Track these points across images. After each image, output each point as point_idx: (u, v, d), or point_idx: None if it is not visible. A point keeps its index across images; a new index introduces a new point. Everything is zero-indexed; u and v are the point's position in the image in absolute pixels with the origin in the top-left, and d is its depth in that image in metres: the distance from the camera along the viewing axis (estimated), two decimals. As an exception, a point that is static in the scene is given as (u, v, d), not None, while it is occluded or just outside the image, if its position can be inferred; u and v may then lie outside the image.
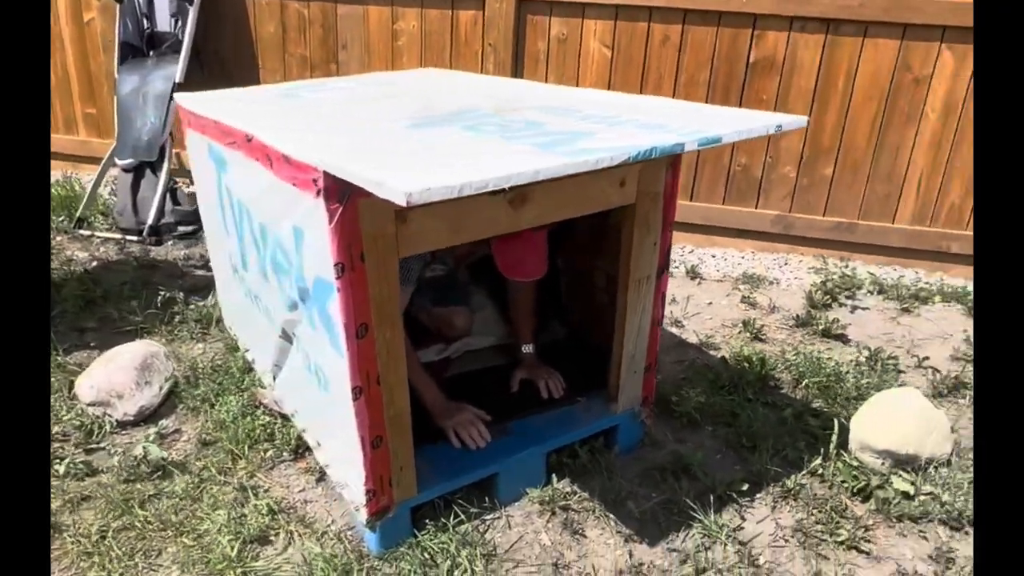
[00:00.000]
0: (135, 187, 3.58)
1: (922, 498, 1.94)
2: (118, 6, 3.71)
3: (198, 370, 2.46)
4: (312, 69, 3.89)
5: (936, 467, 2.03)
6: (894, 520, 1.91)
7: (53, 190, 3.87)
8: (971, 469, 2.04)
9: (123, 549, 1.80)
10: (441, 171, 1.27)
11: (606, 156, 1.35)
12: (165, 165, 3.56)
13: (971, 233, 3.35)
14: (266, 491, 1.98)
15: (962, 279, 3.34)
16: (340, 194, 1.42)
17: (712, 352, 2.67)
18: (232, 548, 1.78)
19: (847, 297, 3.09)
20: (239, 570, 1.74)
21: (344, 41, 3.80)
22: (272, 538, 1.85)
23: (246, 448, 2.11)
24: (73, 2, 4.03)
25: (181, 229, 3.57)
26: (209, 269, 3.25)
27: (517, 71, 3.68)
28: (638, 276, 1.96)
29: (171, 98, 3.55)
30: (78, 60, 4.17)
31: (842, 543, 1.84)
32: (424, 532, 1.82)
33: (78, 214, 3.61)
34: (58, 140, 4.35)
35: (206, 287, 3.05)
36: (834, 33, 3.28)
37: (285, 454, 2.12)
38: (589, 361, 2.21)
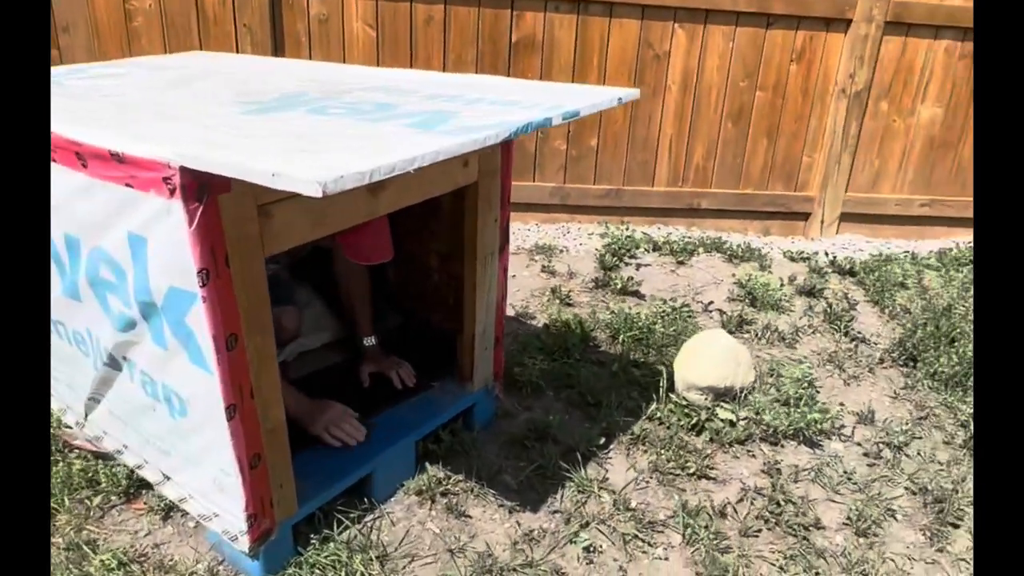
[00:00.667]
0: None
1: (743, 423, 2.21)
2: None
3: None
4: (28, 57, 3.31)
5: (747, 394, 2.32)
6: (727, 446, 2.16)
7: None
8: (771, 391, 2.37)
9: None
10: (334, 156, 1.19)
11: (492, 133, 1.34)
12: None
13: (716, 190, 3.83)
14: (104, 543, 1.70)
15: (712, 229, 3.81)
16: (199, 192, 1.25)
17: (532, 321, 2.78)
18: (82, 618, 1.52)
19: (630, 257, 3.39)
20: (95, 642, 1.49)
21: (65, 23, 3.28)
22: (127, 595, 1.61)
23: (64, 499, 1.79)
24: None
25: None
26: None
27: (278, 52, 3.46)
28: (484, 253, 1.98)
29: None
30: None
31: (692, 474, 2.04)
32: (309, 548, 1.69)
33: None
34: None
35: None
36: (584, 13, 3.53)
37: (114, 498, 1.83)
38: (432, 345, 2.19)
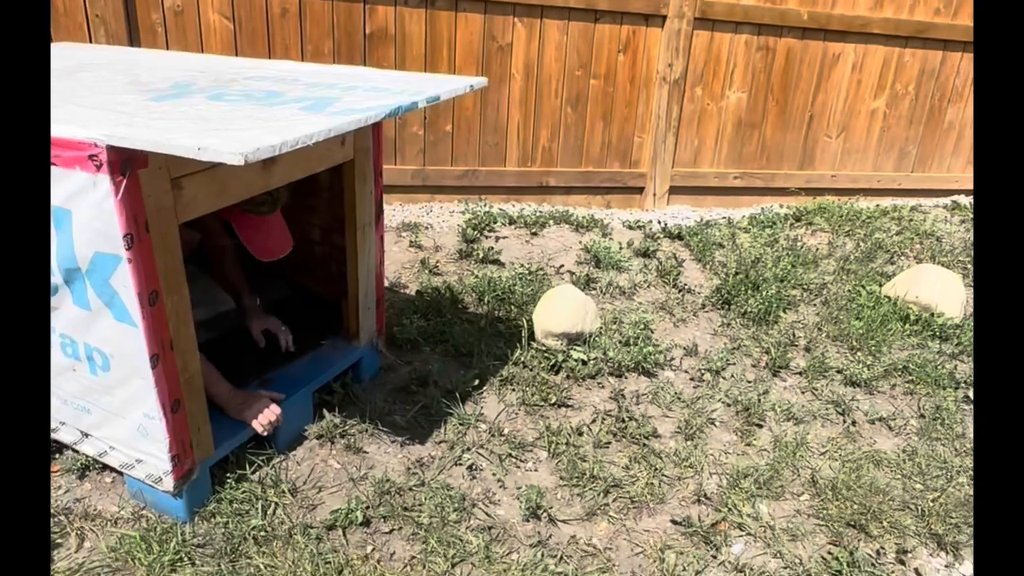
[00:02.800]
0: None
1: (593, 361, 2.61)
2: None
3: None
4: None
5: (595, 338, 2.72)
6: (580, 380, 2.55)
7: None
8: (615, 335, 2.78)
9: None
10: (248, 133, 1.42)
11: (373, 114, 1.62)
12: None
13: (561, 169, 4.25)
14: (24, 504, 1.83)
15: (560, 204, 4.23)
16: (123, 167, 1.45)
17: (405, 290, 3.06)
18: (18, 563, 1.66)
19: (489, 231, 3.73)
20: (32, 583, 1.64)
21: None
22: (61, 541, 1.75)
23: (-24, 470, 1.89)
24: None
25: None
26: None
27: (133, 43, 3.50)
28: (362, 223, 2.24)
29: None
30: None
31: (553, 404, 2.41)
32: (226, 486, 1.90)
33: None
34: None
35: None
36: (432, 8, 3.81)
37: (23, 466, 1.94)
38: (319, 310, 2.42)
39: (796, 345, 2.89)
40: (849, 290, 3.30)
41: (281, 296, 2.54)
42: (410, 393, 2.38)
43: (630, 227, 4.00)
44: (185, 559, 1.72)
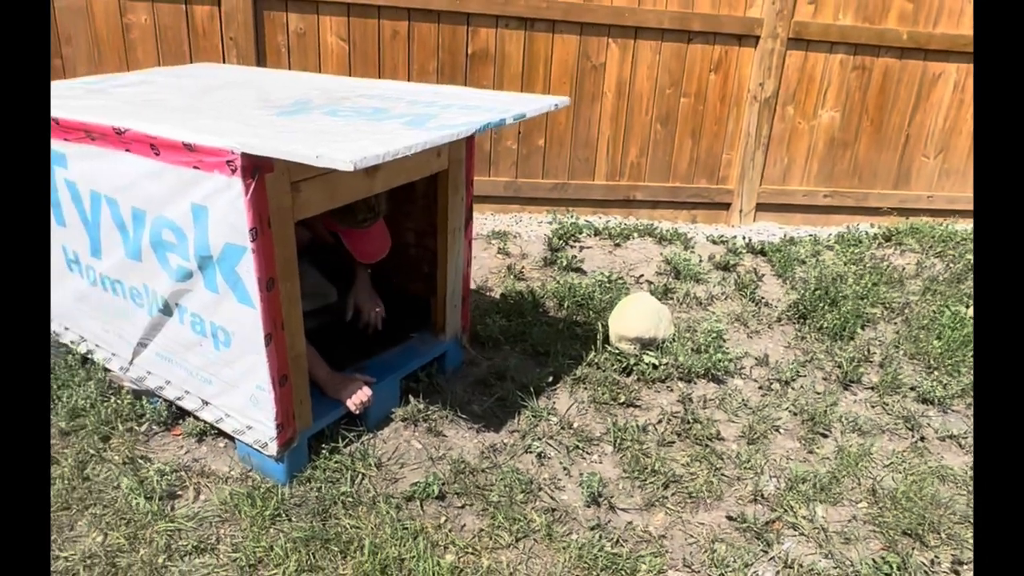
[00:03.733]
0: None
1: (663, 366, 2.74)
2: None
3: (17, 374, 2.42)
4: (33, 65, 3.67)
5: (667, 344, 2.85)
6: (650, 383, 2.68)
7: None
8: (687, 342, 2.90)
9: (30, 534, 1.86)
10: (360, 145, 1.65)
11: (464, 129, 1.83)
12: None
13: (649, 183, 4.38)
14: (153, 460, 2.13)
15: (646, 218, 4.36)
16: (253, 171, 1.72)
17: (490, 293, 3.27)
18: (151, 504, 1.95)
19: (575, 241, 3.90)
20: (163, 523, 1.92)
21: (67, 35, 3.66)
22: (180, 493, 2.04)
23: (118, 425, 2.22)
24: None
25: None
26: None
27: (260, 63, 3.88)
28: (452, 226, 2.47)
29: None
30: None
31: (622, 404, 2.56)
32: (321, 457, 2.15)
33: None
34: None
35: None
36: (531, 30, 4.04)
37: (156, 427, 2.26)
38: (411, 308, 2.66)
39: (871, 361, 2.92)
40: (933, 310, 3.28)
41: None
42: (488, 385, 2.58)
43: (713, 242, 4.09)
44: (283, 515, 1.97)
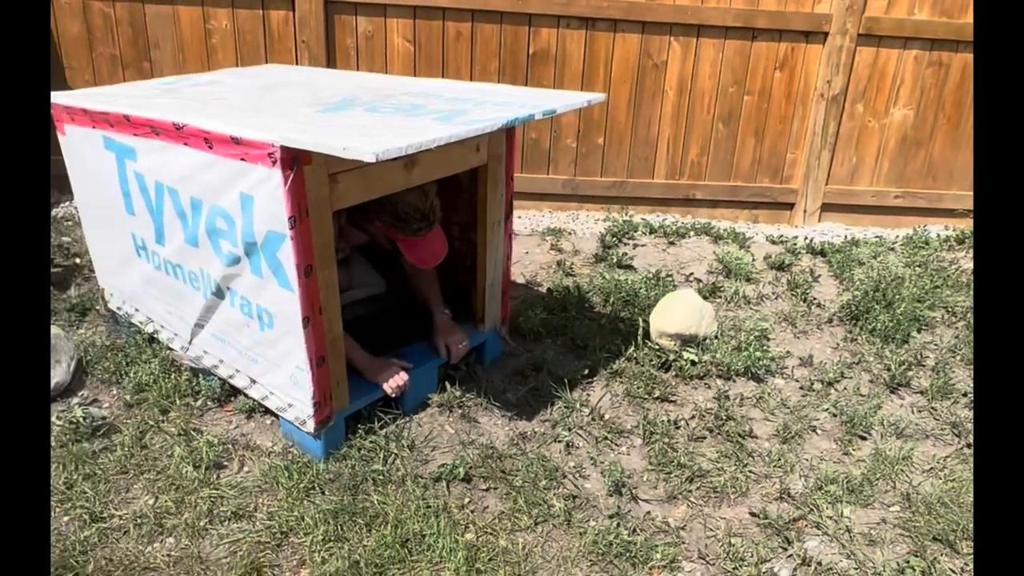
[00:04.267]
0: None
1: (703, 363, 2.74)
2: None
3: (94, 349, 2.65)
4: (124, 68, 3.97)
5: (709, 341, 2.84)
6: (688, 380, 2.69)
7: None
8: (731, 341, 2.89)
9: (93, 492, 2.05)
10: (385, 138, 1.75)
11: (489, 124, 1.91)
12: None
13: (709, 183, 4.34)
14: (206, 431, 2.30)
15: (705, 217, 4.33)
16: (292, 163, 1.84)
17: (538, 288, 3.34)
18: (199, 473, 2.11)
19: (628, 238, 3.93)
20: (207, 489, 2.08)
21: (156, 40, 3.94)
22: (226, 464, 2.20)
23: (176, 400, 2.40)
24: None
25: (7, 232, 3.53)
26: (56, 265, 3.33)
27: (330, 64, 4.06)
28: (492, 220, 2.54)
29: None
30: None
31: (657, 398, 2.58)
32: (356, 436, 2.27)
33: None
34: None
35: (64, 280, 3.15)
36: (592, 29, 4.07)
37: (210, 403, 2.44)
38: (453, 298, 2.75)
39: (923, 365, 2.83)
40: (999, 317, 3.14)
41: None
42: (525, 376, 2.65)
43: (773, 242, 4.03)
44: (317, 488, 2.10)
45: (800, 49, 4.14)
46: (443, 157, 2.27)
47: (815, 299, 3.31)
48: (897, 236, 4.15)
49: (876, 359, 2.86)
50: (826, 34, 4.07)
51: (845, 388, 2.69)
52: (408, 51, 4.06)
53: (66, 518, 1.99)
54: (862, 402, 2.60)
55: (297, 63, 4.02)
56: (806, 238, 4.05)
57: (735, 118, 4.25)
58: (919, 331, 3.05)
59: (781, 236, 4.07)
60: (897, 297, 3.20)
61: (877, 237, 4.13)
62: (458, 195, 2.66)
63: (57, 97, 2.46)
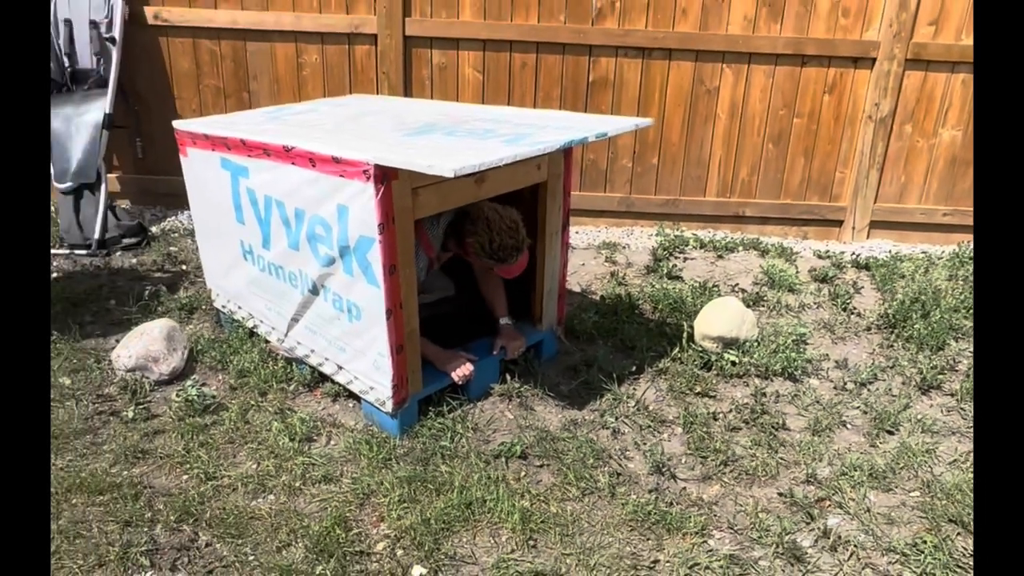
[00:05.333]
0: (76, 207, 4.00)
1: (743, 364, 2.98)
2: (41, 47, 4.10)
3: (203, 341, 3.06)
4: (226, 98, 4.46)
5: (750, 345, 3.08)
6: (728, 378, 2.94)
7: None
8: (771, 344, 3.11)
9: (207, 457, 2.43)
10: (461, 157, 2.08)
11: (549, 145, 2.22)
12: (103, 186, 4.01)
13: (759, 200, 4.57)
14: (297, 412, 2.66)
15: (755, 234, 4.55)
16: (382, 179, 2.19)
17: (592, 296, 3.63)
18: (294, 444, 2.47)
19: (679, 252, 4.18)
20: (301, 457, 2.43)
21: (254, 73, 4.41)
22: (315, 438, 2.55)
23: (274, 384, 2.78)
24: (-16, 43, 4.33)
25: (125, 241, 4.03)
26: (166, 271, 3.79)
27: (407, 93, 4.46)
28: (550, 231, 2.86)
29: (103, 126, 4.01)
30: (-11, 96, 4.45)
31: (698, 393, 2.83)
32: (428, 417, 2.59)
33: (20, 236, 3.96)
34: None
35: (174, 284, 3.60)
36: (648, 58, 4.37)
37: (302, 388, 2.80)
38: (514, 300, 3.07)
39: (956, 370, 3.00)
40: (1037, 328, 3.28)
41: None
42: (577, 371, 2.93)
43: (820, 256, 4.22)
44: (393, 460, 2.43)
45: (848, 74, 4.34)
46: (509, 174, 2.59)
47: (855, 308, 3.50)
48: (943, 252, 4.29)
49: (910, 363, 3.04)
50: (874, 60, 4.27)
51: (877, 389, 2.89)
52: (477, 80, 4.43)
53: (185, 476, 2.37)
54: (892, 401, 2.80)
55: (377, 92, 4.44)
56: (853, 254, 4.22)
57: (785, 139, 4.47)
58: (956, 340, 3.21)
59: (828, 251, 4.26)
60: (935, 307, 3.37)
61: (924, 253, 4.27)
62: (520, 208, 2.98)
63: (181, 124, 2.90)
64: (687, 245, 4.25)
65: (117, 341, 3.01)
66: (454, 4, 4.26)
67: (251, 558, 2.05)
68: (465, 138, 2.39)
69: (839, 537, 2.15)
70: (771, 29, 4.27)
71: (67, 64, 4.19)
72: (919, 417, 2.70)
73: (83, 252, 3.92)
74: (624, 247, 4.27)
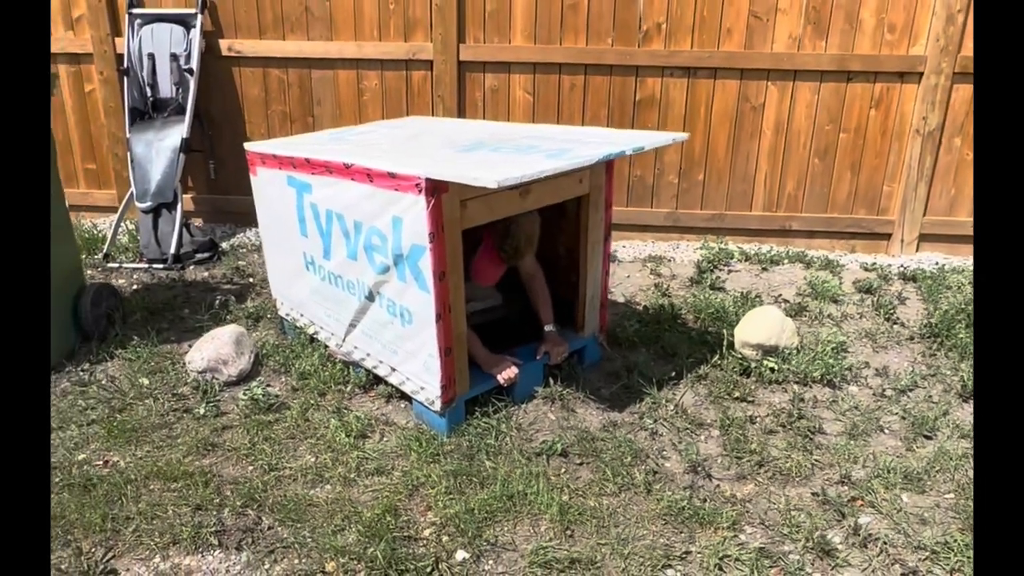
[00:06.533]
0: (155, 225, 4.32)
1: (782, 370, 3.05)
2: (126, 78, 4.46)
3: (268, 346, 3.29)
4: (292, 122, 4.75)
5: (789, 353, 3.15)
6: (767, 384, 3.01)
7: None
8: (810, 352, 3.17)
9: (270, 450, 2.63)
10: (504, 170, 2.24)
11: (587, 159, 2.37)
12: (179, 205, 4.32)
13: (805, 214, 4.61)
14: (353, 411, 2.85)
15: (802, 247, 4.59)
16: (433, 191, 2.37)
17: (636, 305, 3.74)
18: (349, 440, 2.65)
19: (724, 264, 4.27)
20: (355, 452, 2.61)
21: (318, 99, 4.70)
22: (369, 434, 2.73)
23: (333, 386, 2.97)
24: (75, 76, 4.73)
25: (198, 256, 4.33)
26: (234, 283, 4.05)
27: (460, 114, 4.68)
28: (593, 241, 2.99)
29: (181, 150, 4.33)
30: (79, 124, 4.85)
31: (737, 399, 2.91)
32: (474, 417, 2.75)
33: (105, 250, 4.30)
34: (56, 194, 4.97)
35: (242, 294, 3.86)
36: (694, 77, 4.49)
37: (358, 390, 2.99)
38: (558, 309, 3.21)
39: (999, 380, 3.00)
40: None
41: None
42: (618, 376, 3.05)
43: (866, 269, 4.24)
44: (440, 455, 2.58)
45: (895, 89, 4.38)
46: (552, 187, 2.75)
47: (898, 319, 3.53)
48: (996, 265, 4.25)
49: (952, 372, 3.06)
50: (921, 74, 4.30)
51: (917, 395, 2.92)
52: (528, 101, 4.62)
53: (250, 467, 2.57)
54: (932, 408, 2.83)
55: (433, 114, 4.66)
56: (901, 266, 4.23)
57: (831, 154, 4.52)
58: (1000, 350, 3.21)
59: (875, 264, 4.28)
60: (980, 318, 3.37)
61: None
62: (565, 219, 3.14)
63: (251, 146, 3.15)
64: (732, 258, 4.32)
65: (190, 346, 3.26)
66: (506, 30, 4.47)
67: (309, 540, 2.23)
68: (510, 153, 2.55)
69: (870, 534, 2.21)
70: (816, 47, 4.34)
71: (149, 94, 4.54)
72: (958, 423, 2.72)
73: (160, 266, 4.22)
74: (669, 260, 4.37)
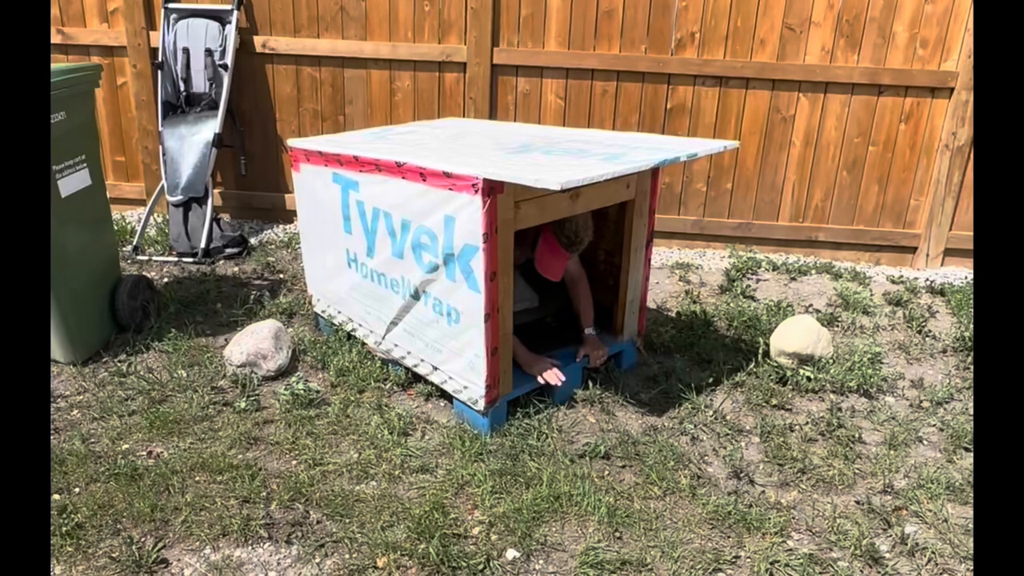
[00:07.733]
0: (185, 219, 4.33)
1: (819, 379, 3.06)
2: (160, 72, 4.48)
3: (305, 342, 3.30)
4: (323, 120, 4.77)
5: (825, 362, 3.16)
6: (803, 393, 3.03)
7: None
8: (846, 362, 3.19)
9: (313, 445, 2.64)
10: (565, 172, 2.26)
11: (645, 164, 2.39)
12: (209, 200, 4.34)
13: (832, 226, 4.64)
14: (393, 408, 2.86)
15: (828, 259, 4.61)
16: (489, 192, 2.39)
17: (667, 312, 3.76)
18: (392, 436, 2.67)
19: (752, 274, 4.28)
20: (399, 449, 2.62)
21: (350, 98, 4.72)
22: (411, 432, 2.74)
23: (371, 383, 2.99)
24: (108, 69, 4.75)
25: (228, 251, 4.34)
26: (265, 279, 4.07)
27: (492, 117, 4.70)
28: (635, 246, 3.01)
29: (213, 144, 4.35)
30: (110, 117, 4.86)
31: (774, 406, 2.93)
32: (515, 418, 2.76)
33: (135, 243, 4.31)
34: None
35: (274, 290, 3.87)
36: (725, 87, 4.51)
37: (396, 388, 3.00)
38: (598, 312, 3.22)
39: (1034, 395, 3.02)
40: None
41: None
42: (656, 381, 3.07)
43: (893, 281, 4.26)
44: (484, 455, 2.59)
45: (925, 103, 4.41)
46: (601, 191, 2.77)
47: (930, 332, 3.55)
48: (1022, 282, 4.28)
49: (987, 387, 3.08)
50: (952, 89, 4.33)
51: (954, 408, 2.94)
52: (559, 106, 4.64)
53: (294, 461, 2.58)
54: (970, 420, 2.85)
55: (464, 116, 4.68)
56: (927, 280, 4.25)
57: (859, 166, 4.55)
58: (1034, 365, 3.23)
59: (901, 276, 4.30)
60: (1013, 333, 3.39)
61: (1001, 282, 4.27)
62: (606, 225, 3.16)
63: (296, 143, 3.16)
64: (760, 267, 4.34)
65: (226, 340, 3.28)
66: (540, 35, 4.50)
67: (359, 535, 2.24)
68: (563, 156, 2.57)
69: (916, 543, 2.23)
70: (848, 59, 4.37)
71: (183, 88, 4.55)
72: (997, 437, 2.74)
73: (190, 260, 4.24)
74: (697, 267, 4.39)
